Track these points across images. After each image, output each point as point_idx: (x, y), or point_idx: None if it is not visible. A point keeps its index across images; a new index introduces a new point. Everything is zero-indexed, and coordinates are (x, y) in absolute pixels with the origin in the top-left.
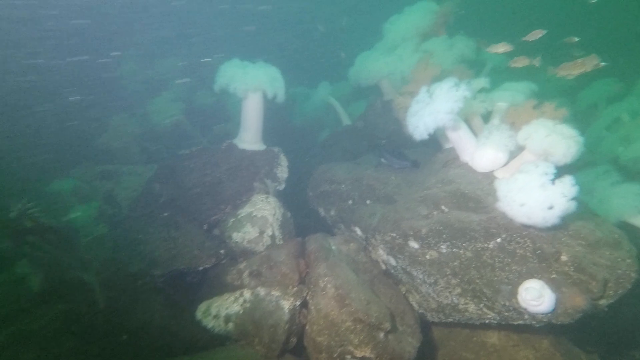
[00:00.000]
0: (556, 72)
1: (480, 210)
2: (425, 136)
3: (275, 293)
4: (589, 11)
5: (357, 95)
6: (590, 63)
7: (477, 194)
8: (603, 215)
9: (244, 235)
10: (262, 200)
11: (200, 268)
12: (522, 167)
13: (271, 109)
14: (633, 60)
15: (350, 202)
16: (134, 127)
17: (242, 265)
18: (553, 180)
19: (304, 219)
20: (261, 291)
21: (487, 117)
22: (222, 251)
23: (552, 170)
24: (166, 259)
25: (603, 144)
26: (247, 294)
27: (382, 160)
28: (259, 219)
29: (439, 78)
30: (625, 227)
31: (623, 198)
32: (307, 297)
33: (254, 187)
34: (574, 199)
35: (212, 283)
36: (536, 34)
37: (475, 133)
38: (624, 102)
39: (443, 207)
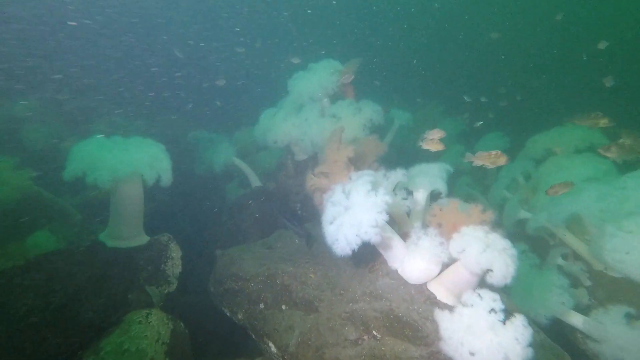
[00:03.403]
0: (472, 160)
1: (419, 341)
2: (348, 252)
3: None
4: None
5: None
6: (501, 160)
7: (413, 317)
8: (532, 310)
9: None
10: (139, 322)
11: None
12: (465, 298)
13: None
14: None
15: (261, 305)
16: None
17: None
18: (503, 320)
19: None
20: None
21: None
22: None
23: (499, 304)
24: None
25: (507, 207)
26: None
27: (283, 220)
28: (133, 355)
29: (353, 159)
30: (556, 323)
31: (548, 292)
32: None
33: (129, 302)
34: (529, 345)
35: None
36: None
37: (400, 228)
38: (517, 163)
39: (374, 332)
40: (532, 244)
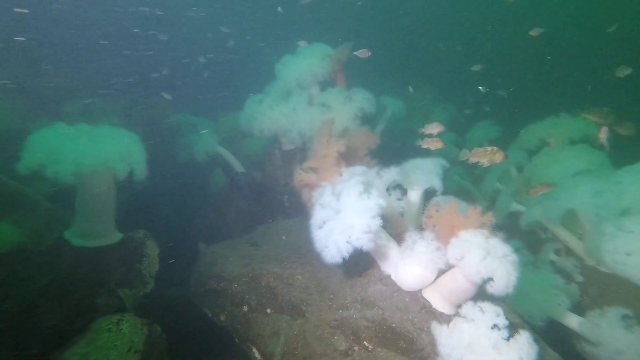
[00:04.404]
0: (469, 157)
1: (414, 354)
2: (338, 260)
3: None
4: None
5: None
6: (497, 156)
7: (407, 328)
8: (527, 312)
9: None
10: (109, 329)
11: None
12: (466, 311)
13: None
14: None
15: (245, 308)
16: None
17: None
18: (507, 337)
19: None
20: None
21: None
22: None
23: (502, 319)
24: None
25: (500, 199)
26: None
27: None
28: None
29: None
30: (552, 325)
31: (544, 293)
32: None
33: (98, 307)
34: None
35: None
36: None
37: (393, 229)
38: (510, 153)
39: (366, 343)
40: (524, 237)
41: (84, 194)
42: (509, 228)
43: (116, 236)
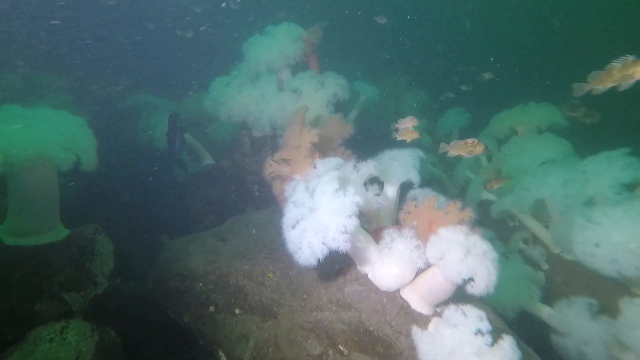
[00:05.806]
0: (448, 151)
1: (392, 359)
2: (312, 262)
3: None
4: None
5: None
6: (478, 149)
7: (385, 332)
8: (500, 304)
9: None
10: (50, 339)
11: None
12: (447, 314)
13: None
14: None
15: (211, 308)
16: None
17: None
18: (491, 343)
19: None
20: None
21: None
22: None
23: (486, 324)
24: None
25: (470, 188)
26: None
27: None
28: None
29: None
30: (525, 316)
31: (517, 285)
32: None
33: (37, 314)
34: None
35: None
36: None
37: (371, 225)
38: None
39: (341, 347)
40: (493, 226)
41: (18, 186)
42: (479, 217)
43: (61, 232)
